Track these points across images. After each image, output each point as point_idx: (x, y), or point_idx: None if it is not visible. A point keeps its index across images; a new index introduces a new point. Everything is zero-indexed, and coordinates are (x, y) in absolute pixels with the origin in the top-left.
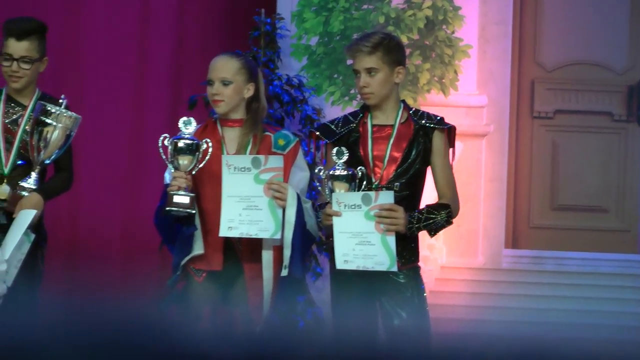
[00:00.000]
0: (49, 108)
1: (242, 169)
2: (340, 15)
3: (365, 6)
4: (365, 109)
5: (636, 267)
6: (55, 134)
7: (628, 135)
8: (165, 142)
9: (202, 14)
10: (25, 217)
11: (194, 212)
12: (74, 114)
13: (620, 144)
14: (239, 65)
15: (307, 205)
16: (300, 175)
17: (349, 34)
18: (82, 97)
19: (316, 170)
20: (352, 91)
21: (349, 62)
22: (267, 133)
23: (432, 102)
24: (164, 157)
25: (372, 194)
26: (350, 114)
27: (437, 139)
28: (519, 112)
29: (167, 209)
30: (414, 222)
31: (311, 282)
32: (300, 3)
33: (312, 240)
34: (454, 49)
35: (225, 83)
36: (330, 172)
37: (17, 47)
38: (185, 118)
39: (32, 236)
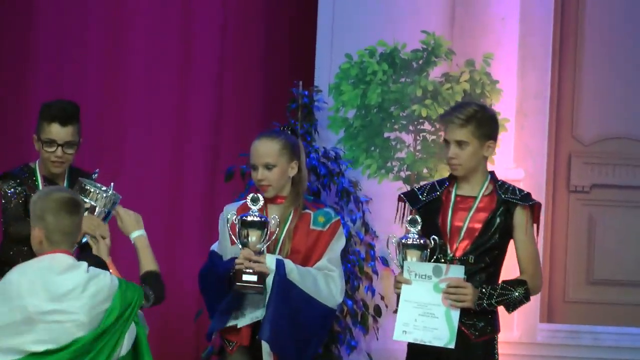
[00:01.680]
0: (86, 187)
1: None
2: (378, 88)
3: (402, 79)
4: (452, 178)
5: None
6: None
7: None
8: (234, 220)
9: (240, 84)
10: None
11: (262, 288)
12: (114, 192)
13: None
14: (281, 146)
15: (334, 273)
16: (338, 245)
17: (387, 106)
18: (120, 166)
19: (389, 235)
20: (389, 164)
21: (386, 134)
22: (307, 211)
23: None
24: (231, 234)
25: (443, 266)
26: (438, 181)
27: (519, 215)
28: (555, 186)
29: (238, 284)
30: (485, 298)
31: (346, 354)
32: (338, 76)
33: (319, 309)
34: None
35: (269, 167)
36: (403, 240)
37: (62, 132)
38: (253, 195)
39: None
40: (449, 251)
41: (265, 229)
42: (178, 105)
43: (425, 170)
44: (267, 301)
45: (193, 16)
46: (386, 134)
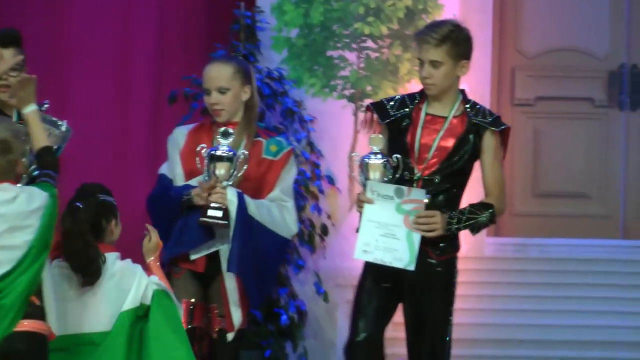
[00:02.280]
0: (46, 118)
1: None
2: (320, 6)
3: None
4: (423, 95)
5: (619, 252)
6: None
7: (609, 120)
8: (203, 152)
9: (181, 8)
10: None
11: (227, 223)
12: (65, 128)
13: (601, 129)
14: (234, 70)
15: (288, 204)
16: (290, 175)
17: (329, 25)
18: (64, 98)
19: (352, 154)
20: (332, 82)
21: (329, 53)
22: (260, 139)
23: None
24: (199, 166)
25: (405, 188)
26: (409, 96)
27: (488, 139)
28: (500, 100)
29: (202, 219)
30: (454, 222)
31: (293, 274)
32: None
33: (276, 239)
34: None
35: (222, 91)
36: (365, 160)
37: (6, 54)
38: (223, 129)
39: None
40: (415, 170)
41: (234, 164)
42: (120, 31)
43: (369, 88)
44: (231, 234)
45: None
46: (329, 53)
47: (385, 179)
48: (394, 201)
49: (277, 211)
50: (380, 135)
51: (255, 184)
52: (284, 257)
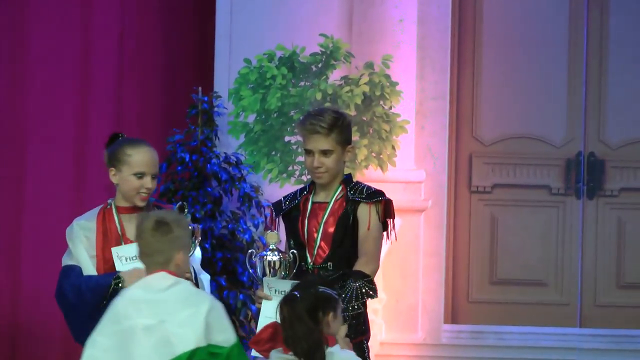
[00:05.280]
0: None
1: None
2: (278, 92)
3: (302, 83)
4: (312, 186)
5: (575, 340)
6: None
7: (566, 208)
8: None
9: (139, 91)
10: None
11: None
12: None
13: (558, 217)
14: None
15: (203, 276)
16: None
17: (286, 110)
18: (23, 186)
19: (249, 251)
20: (290, 168)
21: (287, 138)
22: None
23: (370, 178)
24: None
25: None
26: (300, 189)
27: (362, 210)
28: (457, 187)
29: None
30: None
31: None
32: (237, 80)
33: None
34: (392, 125)
35: (154, 176)
36: (262, 256)
37: None
38: (180, 203)
39: None
40: (309, 260)
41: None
42: (78, 111)
43: None
44: None
45: (92, 24)
46: (287, 138)
47: (282, 274)
48: None
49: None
50: (275, 232)
51: None
52: None
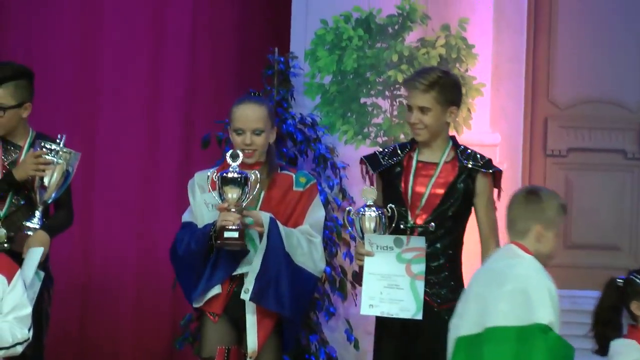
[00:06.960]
0: (46, 146)
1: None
2: (354, 53)
3: (378, 44)
4: (414, 143)
5: None
6: (55, 171)
7: None
8: (214, 177)
9: (215, 51)
10: (34, 255)
11: (243, 244)
12: (72, 150)
13: (633, 181)
14: (268, 112)
15: (316, 240)
16: (319, 212)
17: (362, 72)
18: (94, 136)
19: (347, 209)
20: (365, 129)
21: (363, 100)
22: (287, 172)
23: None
24: (211, 191)
25: (404, 237)
26: (400, 145)
27: (481, 182)
28: (532, 150)
29: (219, 242)
30: None
31: (324, 321)
32: (314, 41)
33: (302, 273)
34: (467, 87)
35: (258, 132)
36: (360, 212)
37: None
38: (232, 151)
39: (42, 274)
40: (409, 218)
41: (246, 186)
42: (151, 73)
43: (402, 136)
44: (261, 258)
45: None
46: (362, 100)
47: (382, 230)
48: (393, 251)
49: (306, 244)
50: (373, 187)
51: (286, 218)
52: (311, 294)
